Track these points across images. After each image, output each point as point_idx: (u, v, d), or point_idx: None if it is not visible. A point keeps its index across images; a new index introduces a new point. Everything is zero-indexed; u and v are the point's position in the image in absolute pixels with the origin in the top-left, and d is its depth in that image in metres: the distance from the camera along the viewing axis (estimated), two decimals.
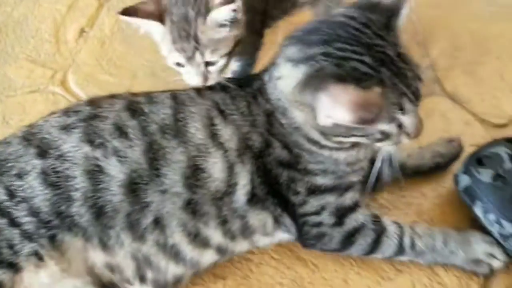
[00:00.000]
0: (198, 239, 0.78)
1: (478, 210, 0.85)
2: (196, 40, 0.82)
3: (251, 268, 0.86)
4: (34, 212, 0.73)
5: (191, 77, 0.86)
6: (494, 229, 0.83)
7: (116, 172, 0.74)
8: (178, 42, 0.83)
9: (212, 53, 0.84)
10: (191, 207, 0.77)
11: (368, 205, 0.92)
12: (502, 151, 0.87)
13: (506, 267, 0.84)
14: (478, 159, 0.87)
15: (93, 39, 1.20)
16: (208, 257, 0.81)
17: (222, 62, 0.86)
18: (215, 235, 0.79)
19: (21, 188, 0.74)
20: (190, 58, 0.84)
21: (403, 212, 0.92)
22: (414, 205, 0.93)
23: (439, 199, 0.94)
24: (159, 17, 0.83)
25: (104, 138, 0.76)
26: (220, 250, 0.81)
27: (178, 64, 0.87)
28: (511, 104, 1.10)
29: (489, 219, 0.84)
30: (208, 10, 0.81)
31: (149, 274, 0.78)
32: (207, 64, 0.85)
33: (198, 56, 0.84)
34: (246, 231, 0.81)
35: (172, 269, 0.79)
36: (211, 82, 0.86)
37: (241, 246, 0.83)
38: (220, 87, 0.85)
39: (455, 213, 0.92)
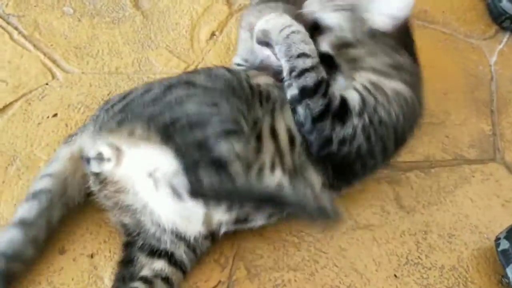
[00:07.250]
0: None
1: (509, 272, 1.05)
2: None
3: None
4: None
5: None
6: None
7: None
8: None
9: None
10: None
11: (418, 242, 1.13)
12: None
13: None
14: None
15: (220, 43, 1.41)
16: None
17: None
18: None
19: None
20: None
21: (446, 256, 1.13)
22: (456, 251, 1.13)
23: (478, 252, 1.14)
24: None
25: None
26: None
27: None
28: None
29: None
30: None
31: None
32: None
33: None
34: None
35: None
36: None
37: None
38: None
39: (489, 268, 1.11)
